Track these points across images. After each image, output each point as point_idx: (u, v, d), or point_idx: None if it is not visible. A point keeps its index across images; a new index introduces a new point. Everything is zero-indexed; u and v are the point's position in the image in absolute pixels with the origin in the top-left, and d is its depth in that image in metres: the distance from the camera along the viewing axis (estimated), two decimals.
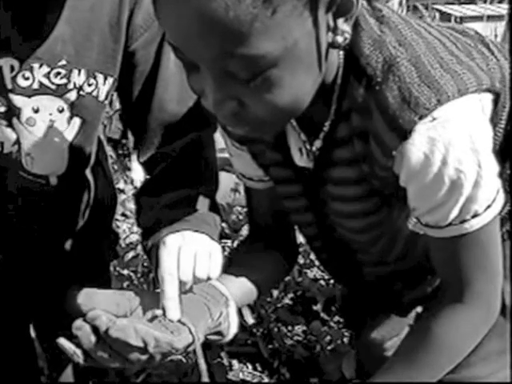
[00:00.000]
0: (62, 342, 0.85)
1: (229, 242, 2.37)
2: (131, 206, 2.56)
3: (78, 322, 0.85)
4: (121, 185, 2.90)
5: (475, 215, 0.83)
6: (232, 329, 0.97)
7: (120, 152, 3.16)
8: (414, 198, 0.86)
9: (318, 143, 0.90)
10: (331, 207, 0.96)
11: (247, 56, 0.70)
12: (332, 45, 0.77)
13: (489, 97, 0.83)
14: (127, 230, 2.55)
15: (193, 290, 0.94)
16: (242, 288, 1.03)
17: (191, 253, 0.96)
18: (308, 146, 0.92)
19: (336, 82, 0.84)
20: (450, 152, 0.79)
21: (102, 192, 1.26)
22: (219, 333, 0.95)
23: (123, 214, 2.69)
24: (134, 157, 2.68)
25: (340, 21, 0.75)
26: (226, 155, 1.09)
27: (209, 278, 0.97)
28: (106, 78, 1.06)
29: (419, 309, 1.17)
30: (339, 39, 0.76)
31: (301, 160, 0.94)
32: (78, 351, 0.84)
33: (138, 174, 2.77)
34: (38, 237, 1.18)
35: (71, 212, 1.21)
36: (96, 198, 1.23)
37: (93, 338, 0.83)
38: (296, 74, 0.74)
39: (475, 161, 0.80)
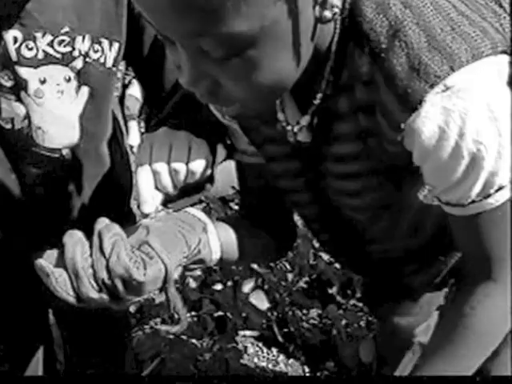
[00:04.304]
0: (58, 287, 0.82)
1: None
2: None
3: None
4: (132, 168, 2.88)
5: (500, 188, 0.79)
6: (214, 254, 0.93)
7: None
8: (431, 176, 0.82)
9: (305, 119, 0.85)
10: (332, 185, 0.91)
11: (220, 35, 0.65)
12: (320, 20, 0.72)
13: (505, 59, 0.77)
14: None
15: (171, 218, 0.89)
16: (226, 237, 0.97)
17: (165, 143, 0.89)
18: (294, 123, 0.87)
19: (331, 50, 0.79)
20: (466, 123, 0.73)
21: (118, 169, 1.24)
22: (200, 260, 0.91)
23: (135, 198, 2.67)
24: (131, 123, 2.66)
25: None
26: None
27: (192, 173, 0.89)
28: (111, 44, 1.04)
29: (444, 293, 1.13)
30: (327, 14, 0.71)
31: (299, 134, 0.89)
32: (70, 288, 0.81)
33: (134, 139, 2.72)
34: (54, 216, 1.16)
35: (88, 188, 1.19)
36: (112, 175, 1.21)
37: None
38: (277, 54, 0.69)
39: (495, 130, 0.75)
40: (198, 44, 0.67)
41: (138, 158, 0.88)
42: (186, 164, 0.88)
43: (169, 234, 0.87)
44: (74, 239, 0.82)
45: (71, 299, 0.82)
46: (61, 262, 0.81)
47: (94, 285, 0.81)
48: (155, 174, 0.87)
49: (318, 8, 0.69)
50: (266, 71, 0.69)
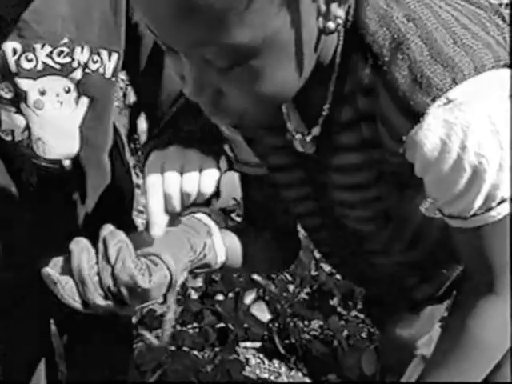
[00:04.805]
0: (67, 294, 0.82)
1: None
2: (144, 200, 2.54)
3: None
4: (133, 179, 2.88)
5: (501, 201, 0.79)
6: (219, 258, 0.94)
7: (132, 146, 3.14)
8: (433, 188, 0.82)
9: (316, 130, 0.85)
10: (335, 195, 0.92)
11: (223, 44, 0.66)
12: (323, 31, 0.72)
13: (507, 72, 0.77)
14: (141, 225, 2.54)
15: (180, 222, 0.89)
16: (230, 242, 0.97)
17: (177, 164, 0.88)
18: (305, 133, 0.87)
19: (335, 62, 0.79)
20: (468, 136, 0.74)
21: (119, 179, 1.24)
22: (206, 265, 0.92)
23: (137, 210, 2.67)
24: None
25: (333, 5, 0.70)
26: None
27: (202, 195, 0.88)
28: (110, 54, 1.05)
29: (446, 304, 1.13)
30: (331, 25, 0.71)
31: (304, 145, 0.89)
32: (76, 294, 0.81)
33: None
34: (56, 225, 1.16)
35: (90, 197, 1.19)
36: (114, 185, 1.21)
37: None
38: (279, 64, 0.69)
39: (497, 143, 0.75)
40: (201, 54, 0.67)
41: (148, 178, 0.87)
42: (198, 187, 0.88)
43: (173, 238, 0.87)
44: (80, 246, 0.83)
45: (78, 306, 0.82)
46: (67, 270, 0.82)
47: (101, 292, 0.81)
48: (167, 197, 0.87)
49: (321, 19, 0.70)
50: (269, 81, 0.69)
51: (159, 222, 0.85)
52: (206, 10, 0.62)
